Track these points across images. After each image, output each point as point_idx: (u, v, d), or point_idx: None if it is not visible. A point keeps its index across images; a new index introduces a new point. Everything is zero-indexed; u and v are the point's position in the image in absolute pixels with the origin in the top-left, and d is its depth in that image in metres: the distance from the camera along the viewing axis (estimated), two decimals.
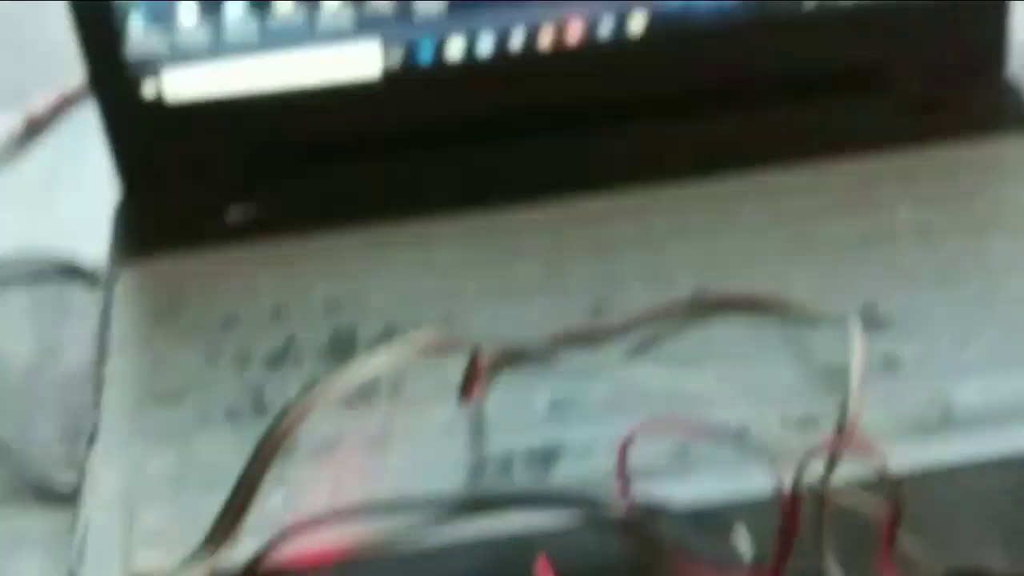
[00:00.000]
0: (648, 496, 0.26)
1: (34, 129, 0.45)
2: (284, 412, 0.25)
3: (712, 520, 0.25)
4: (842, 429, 0.25)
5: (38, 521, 0.31)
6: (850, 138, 0.36)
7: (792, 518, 0.23)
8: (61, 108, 0.46)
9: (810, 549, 0.24)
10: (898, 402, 0.28)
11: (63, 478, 0.32)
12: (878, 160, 0.35)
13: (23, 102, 0.46)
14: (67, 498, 0.30)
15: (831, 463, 0.24)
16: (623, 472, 0.26)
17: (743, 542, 0.24)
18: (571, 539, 0.25)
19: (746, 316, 0.31)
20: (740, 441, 0.27)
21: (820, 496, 0.24)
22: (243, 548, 0.25)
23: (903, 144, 0.36)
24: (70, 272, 0.38)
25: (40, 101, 0.46)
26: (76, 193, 0.42)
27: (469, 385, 0.29)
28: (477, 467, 0.28)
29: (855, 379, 0.26)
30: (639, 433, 0.26)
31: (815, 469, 0.24)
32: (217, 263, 0.35)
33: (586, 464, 0.27)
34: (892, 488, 0.23)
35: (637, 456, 0.26)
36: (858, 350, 0.27)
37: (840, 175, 0.35)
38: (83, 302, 0.37)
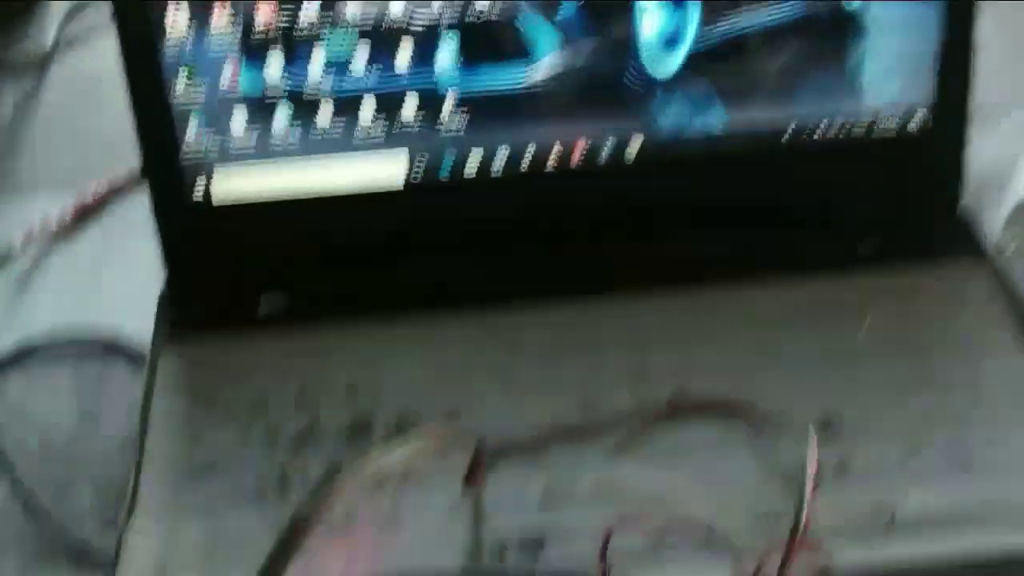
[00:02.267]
0: None
1: (84, 214, 0.49)
2: (311, 499, 0.28)
3: None
4: (794, 531, 0.29)
5: None
6: (816, 261, 0.40)
7: None
8: (111, 196, 0.49)
9: None
10: (847, 506, 0.32)
11: (99, 544, 0.35)
12: (841, 282, 0.39)
13: (75, 187, 0.49)
14: (103, 565, 0.33)
15: (784, 564, 0.28)
16: (604, 559, 0.30)
17: None
18: None
19: (718, 420, 0.35)
20: (708, 535, 0.31)
21: None
22: None
23: (863, 268, 0.40)
24: (114, 350, 0.42)
25: (91, 188, 0.49)
26: (122, 276, 0.46)
27: (473, 474, 0.33)
28: (475, 548, 0.32)
29: (808, 485, 0.30)
30: (619, 525, 0.30)
31: (774, 563, 0.28)
32: (250, 349, 0.39)
33: (572, 550, 0.31)
34: None
35: (617, 545, 0.30)
36: (812, 458, 0.31)
37: (806, 294, 0.39)
38: (123, 378, 0.41)
